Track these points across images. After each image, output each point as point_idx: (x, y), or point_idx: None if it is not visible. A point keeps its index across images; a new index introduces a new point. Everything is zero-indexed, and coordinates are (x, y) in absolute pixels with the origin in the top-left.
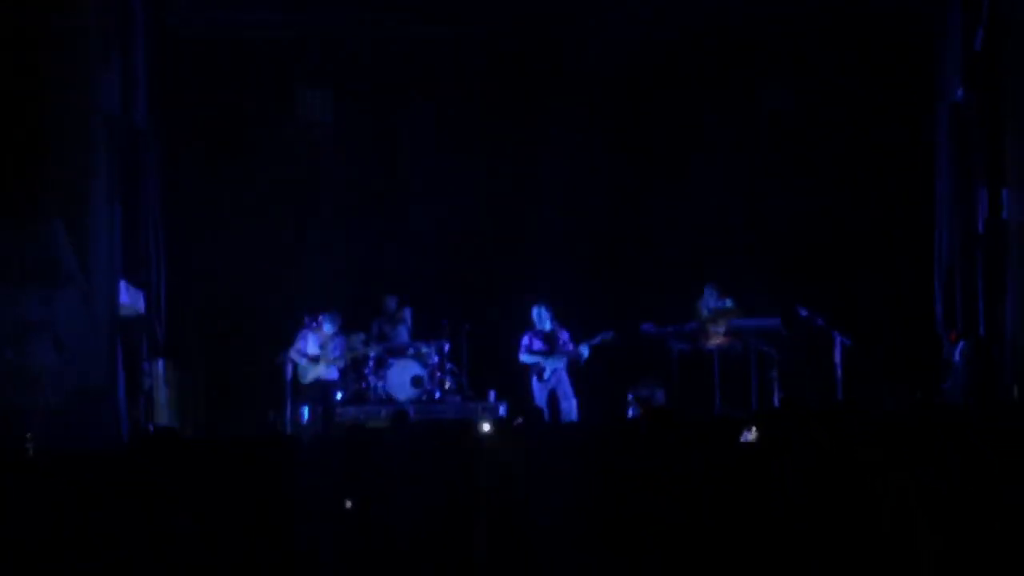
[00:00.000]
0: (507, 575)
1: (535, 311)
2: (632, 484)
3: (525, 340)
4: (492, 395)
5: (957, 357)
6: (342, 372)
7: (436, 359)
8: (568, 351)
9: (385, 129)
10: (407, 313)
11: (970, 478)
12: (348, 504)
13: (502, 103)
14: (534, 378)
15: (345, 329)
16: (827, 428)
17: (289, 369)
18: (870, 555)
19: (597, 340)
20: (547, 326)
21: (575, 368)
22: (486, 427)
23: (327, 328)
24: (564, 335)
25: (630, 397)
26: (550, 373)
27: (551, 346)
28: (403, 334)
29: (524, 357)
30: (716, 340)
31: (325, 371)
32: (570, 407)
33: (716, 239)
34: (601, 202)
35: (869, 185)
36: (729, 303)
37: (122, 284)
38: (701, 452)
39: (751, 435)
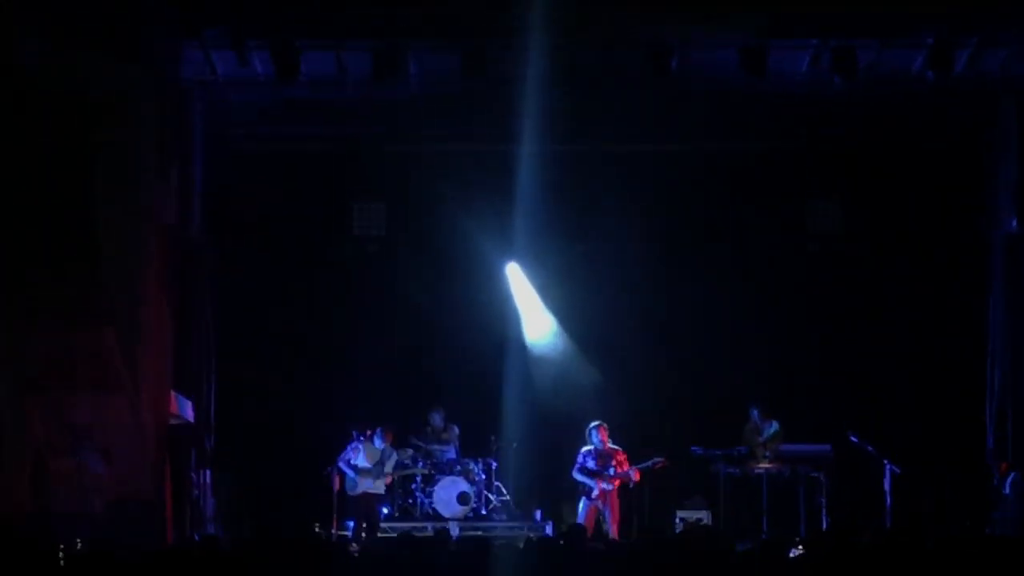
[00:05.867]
0: None
1: (591, 430)
2: None
3: (580, 458)
4: (539, 514)
5: (1008, 488)
6: (389, 487)
7: (483, 476)
8: (619, 473)
9: (435, 243)
10: (455, 430)
11: None
12: None
13: (548, 218)
14: (583, 496)
15: (395, 444)
16: (876, 558)
17: (336, 481)
18: None
19: (648, 464)
20: (601, 445)
21: (626, 488)
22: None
23: (377, 442)
24: (619, 455)
25: (677, 519)
26: (598, 492)
27: (604, 465)
28: (451, 451)
29: (576, 474)
30: (765, 464)
31: (372, 485)
32: (611, 527)
33: (766, 363)
34: (651, 322)
35: (920, 312)
36: (775, 426)
37: (172, 393)
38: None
39: None
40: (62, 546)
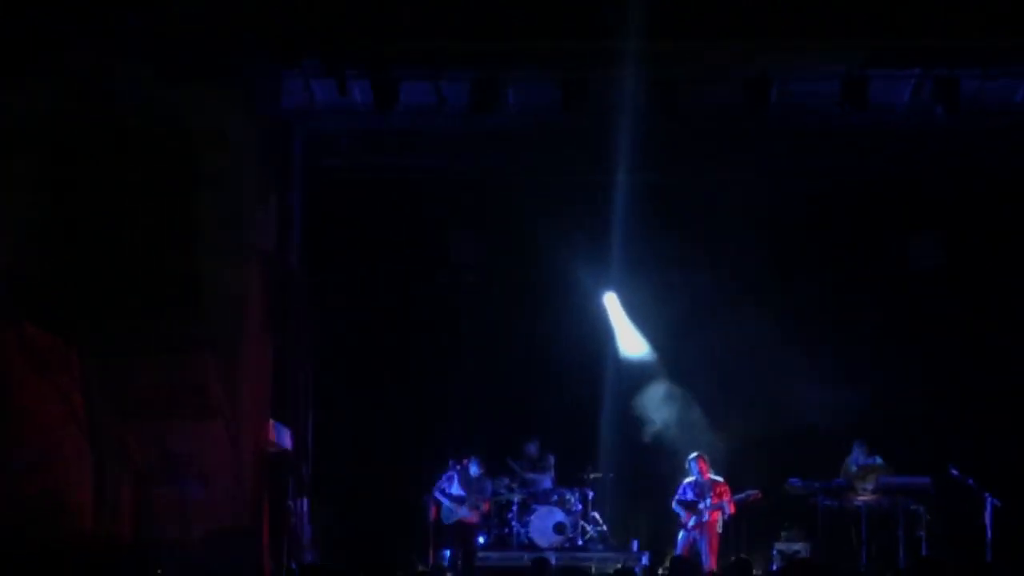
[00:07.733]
0: None
1: (690, 461)
2: None
3: (680, 489)
4: (635, 544)
5: None
6: (485, 516)
7: (579, 507)
8: (713, 504)
9: (532, 272)
10: (551, 459)
11: None
12: None
13: (645, 247)
14: (681, 527)
15: (490, 473)
16: None
17: (432, 510)
18: None
19: (742, 496)
20: (700, 476)
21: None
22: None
23: (473, 471)
24: (719, 486)
25: (775, 551)
26: (695, 523)
27: (700, 496)
28: (546, 480)
29: (675, 505)
30: (864, 497)
31: (468, 513)
32: (707, 559)
33: (867, 395)
34: (750, 355)
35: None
36: (878, 460)
37: (271, 422)
38: None
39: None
40: (160, 572)
